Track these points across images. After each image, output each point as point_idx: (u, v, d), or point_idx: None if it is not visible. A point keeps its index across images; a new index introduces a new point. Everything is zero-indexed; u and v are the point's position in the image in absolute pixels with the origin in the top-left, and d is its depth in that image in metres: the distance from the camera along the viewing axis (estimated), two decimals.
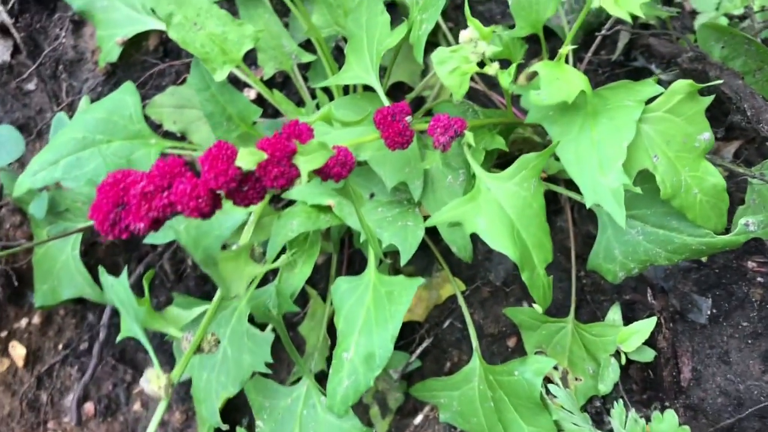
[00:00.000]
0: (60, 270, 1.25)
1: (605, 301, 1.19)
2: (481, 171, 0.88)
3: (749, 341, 1.13)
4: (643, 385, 1.13)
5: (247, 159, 0.77)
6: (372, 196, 1.06)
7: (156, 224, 0.78)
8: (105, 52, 1.28)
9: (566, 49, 0.90)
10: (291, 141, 0.80)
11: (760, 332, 1.13)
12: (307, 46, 1.22)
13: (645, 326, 1.06)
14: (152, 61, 1.33)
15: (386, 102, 0.94)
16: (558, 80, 0.86)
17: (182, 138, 1.29)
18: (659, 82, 1.28)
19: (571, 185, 1.02)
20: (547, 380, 1.10)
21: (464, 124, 0.89)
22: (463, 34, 0.83)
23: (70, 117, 1.18)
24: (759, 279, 1.16)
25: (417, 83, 1.26)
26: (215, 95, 1.10)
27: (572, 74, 0.86)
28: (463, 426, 1.14)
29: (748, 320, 1.14)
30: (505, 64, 0.90)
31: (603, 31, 1.21)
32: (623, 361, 1.08)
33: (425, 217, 1.04)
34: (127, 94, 1.06)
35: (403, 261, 1.00)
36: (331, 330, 1.17)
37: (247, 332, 1.00)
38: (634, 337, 1.06)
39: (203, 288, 1.31)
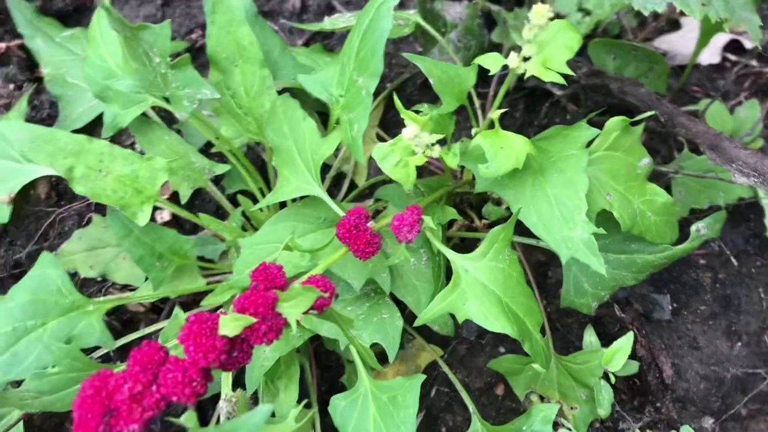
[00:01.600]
0: None
1: (573, 323, 1.21)
2: (454, 255, 0.87)
3: (710, 322, 1.19)
4: (632, 393, 1.17)
5: (232, 326, 0.73)
6: (336, 296, 1.02)
7: (150, 421, 0.72)
8: None
9: (497, 113, 0.90)
10: (270, 291, 0.76)
11: (716, 311, 1.20)
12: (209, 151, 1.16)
13: (624, 343, 1.09)
14: (47, 209, 1.22)
15: (337, 210, 0.90)
16: (502, 149, 0.86)
17: (104, 281, 1.20)
18: (558, 101, 1.33)
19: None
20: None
21: (421, 212, 0.88)
22: (407, 132, 0.81)
23: None
24: (702, 262, 1.23)
25: (332, 161, 1.23)
26: (140, 238, 1.03)
27: (514, 140, 0.87)
28: None
29: (704, 303, 1.20)
30: (440, 141, 0.90)
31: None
32: (613, 380, 1.10)
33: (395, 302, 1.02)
34: (47, 267, 0.96)
35: (390, 358, 0.97)
36: None
37: None
38: (617, 356, 1.09)
39: None
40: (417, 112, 0.93)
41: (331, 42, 1.37)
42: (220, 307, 1.16)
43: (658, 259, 0.99)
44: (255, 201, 1.16)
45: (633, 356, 1.14)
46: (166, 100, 0.95)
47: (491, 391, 1.19)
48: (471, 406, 1.09)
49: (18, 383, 0.97)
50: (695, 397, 1.16)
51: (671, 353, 1.17)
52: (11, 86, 1.25)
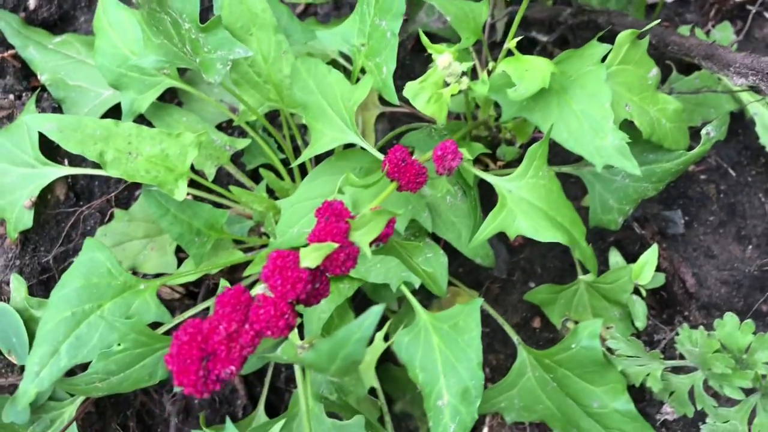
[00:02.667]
0: None
1: (595, 250, 1.27)
2: (496, 179, 0.91)
3: (720, 231, 1.26)
4: (660, 306, 1.23)
5: (313, 257, 0.75)
6: (378, 245, 1.05)
7: (241, 364, 0.74)
8: (13, 222, 1.15)
9: (513, 42, 0.95)
10: (342, 221, 0.78)
11: (724, 220, 1.27)
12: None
13: (651, 256, 1.14)
14: (67, 210, 1.21)
15: (375, 153, 0.93)
16: (527, 71, 0.91)
17: (134, 274, 1.20)
18: (545, 47, 1.38)
19: None
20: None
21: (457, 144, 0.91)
22: (442, 60, 0.85)
23: None
24: (702, 177, 1.30)
25: None
26: (177, 216, 1.04)
27: (536, 61, 0.91)
28: (531, 418, 1.17)
29: (712, 214, 1.27)
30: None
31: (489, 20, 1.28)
32: (644, 293, 1.16)
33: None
34: (94, 251, 0.96)
35: (442, 292, 1.00)
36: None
37: (333, 426, 0.95)
38: (645, 269, 1.14)
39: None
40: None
41: (319, 16, 1.40)
42: (257, 281, 1.18)
43: (675, 165, 1.05)
44: (278, 174, 1.19)
45: (657, 270, 1.20)
46: (196, 68, 0.97)
47: (528, 325, 1.24)
48: (515, 337, 1.13)
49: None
50: (719, 302, 1.22)
51: (690, 264, 1.24)
52: (11, 96, 1.24)
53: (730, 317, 0.98)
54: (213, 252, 1.11)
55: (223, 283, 1.05)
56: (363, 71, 0.99)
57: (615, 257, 1.20)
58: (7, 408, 1.09)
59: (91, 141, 0.99)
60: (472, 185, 1.03)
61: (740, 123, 1.34)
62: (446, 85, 0.91)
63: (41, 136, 1.18)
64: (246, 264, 1.15)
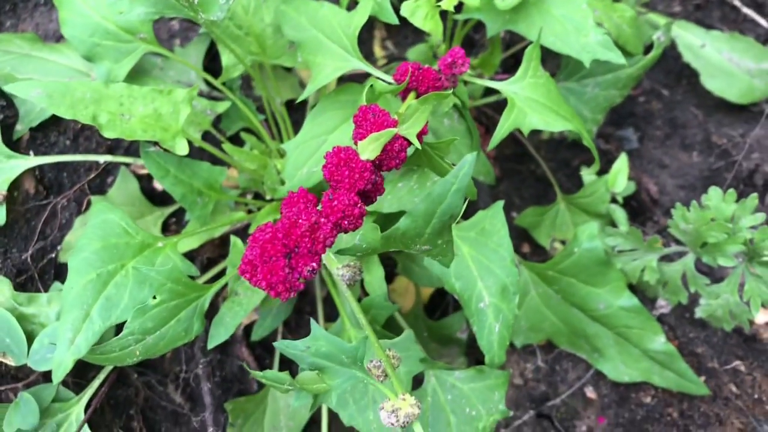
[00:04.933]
0: None
1: (567, 171, 1.35)
2: (501, 84, 0.96)
3: (668, 143, 1.38)
4: (632, 214, 1.32)
5: (372, 147, 0.76)
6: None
7: (320, 260, 0.73)
8: None
9: None
10: (386, 116, 0.80)
11: (669, 132, 1.39)
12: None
13: (622, 164, 1.23)
14: (38, 204, 1.14)
15: (382, 75, 0.96)
16: None
17: None
18: None
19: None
20: None
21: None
22: None
23: None
24: (641, 99, 1.42)
25: None
26: (178, 176, 1.01)
27: None
28: (538, 338, 1.22)
29: (658, 129, 1.39)
30: None
31: None
32: (621, 201, 1.24)
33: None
34: (105, 213, 0.91)
35: (473, 193, 1.02)
36: None
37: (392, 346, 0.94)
38: (619, 177, 1.23)
39: (232, 390, 1.18)
40: None
41: None
42: None
43: (636, 70, 1.14)
44: (258, 138, 1.18)
45: None
46: (189, 13, 0.95)
47: (519, 251, 1.29)
48: (516, 258, 1.18)
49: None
50: (680, 203, 1.33)
51: (649, 174, 1.34)
52: None
53: (714, 190, 1.07)
54: (212, 216, 1.08)
55: (234, 239, 1.03)
56: (354, 3, 1.01)
57: (587, 174, 1.28)
58: (11, 415, 1.00)
59: (81, 104, 0.94)
60: (467, 104, 1.08)
61: (667, 51, 1.48)
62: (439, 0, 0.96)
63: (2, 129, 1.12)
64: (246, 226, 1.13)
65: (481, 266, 0.96)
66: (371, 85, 0.87)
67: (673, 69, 1.45)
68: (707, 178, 1.34)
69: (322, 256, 0.88)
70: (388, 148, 0.78)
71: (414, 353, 0.94)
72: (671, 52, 1.44)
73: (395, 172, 1.07)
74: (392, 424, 0.74)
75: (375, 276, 1.02)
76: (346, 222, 0.73)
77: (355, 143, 0.81)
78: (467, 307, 0.96)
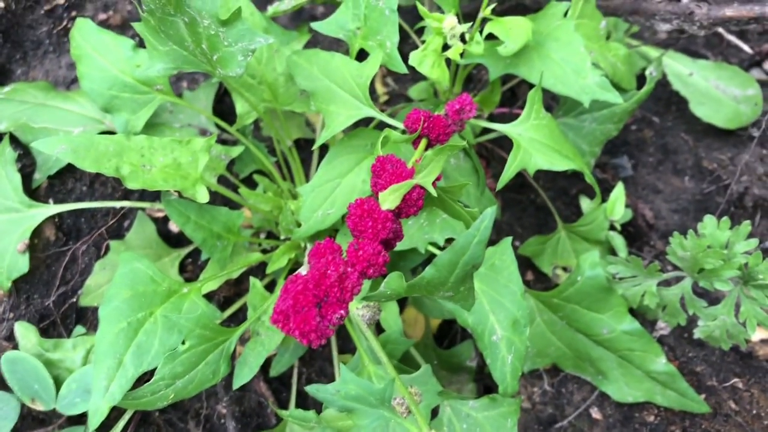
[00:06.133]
0: None
1: (565, 200, 1.40)
2: (505, 126, 1.01)
3: (660, 168, 1.43)
4: (630, 240, 1.37)
5: (392, 198, 0.81)
6: None
7: (347, 307, 0.77)
8: (5, 270, 1.11)
9: (487, 11, 1.07)
10: (404, 168, 0.84)
11: (660, 158, 1.44)
12: None
13: (618, 192, 1.28)
14: (58, 251, 1.17)
15: (393, 122, 1.00)
16: (511, 29, 1.03)
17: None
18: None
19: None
20: None
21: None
22: (449, 21, 0.95)
23: None
24: (633, 127, 1.48)
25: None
26: (198, 222, 1.05)
27: (517, 21, 1.04)
28: (544, 363, 1.26)
29: (650, 155, 1.44)
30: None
31: None
32: (618, 228, 1.29)
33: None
34: (132, 262, 0.95)
35: None
36: None
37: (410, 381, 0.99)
38: (617, 205, 1.28)
39: (251, 425, 1.22)
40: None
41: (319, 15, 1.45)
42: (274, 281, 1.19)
43: (631, 104, 1.20)
44: (270, 179, 1.22)
45: None
46: (207, 68, 0.99)
47: (522, 279, 1.33)
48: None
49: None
50: (674, 228, 1.38)
51: (644, 200, 1.40)
52: None
53: (709, 219, 1.12)
54: (231, 260, 1.12)
55: (253, 281, 1.07)
56: (360, 53, 1.06)
57: (585, 203, 1.33)
58: None
59: (105, 158, 0.98)
60: (472, 144, 1.13)
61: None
62: (445, 48, 1.01)
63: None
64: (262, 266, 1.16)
65: (493, 301, 1.01)
66: (385, 135, 0.92)
67: (662, 97, 1.51)
68: (699, 201, 1.39)
69: None
70: (406, 197, 0.82)
71: (432, 386, 0.99)
72: (660, 80, 1.50)
73: None
74: None
75: (390, 312, 1.07)
76: (371, 270, 0.77)
77: (374, 191, 0.85)
78: (480, 340, 1.00)
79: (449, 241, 1.08)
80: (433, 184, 0.89)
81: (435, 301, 1.18)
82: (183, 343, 0.91)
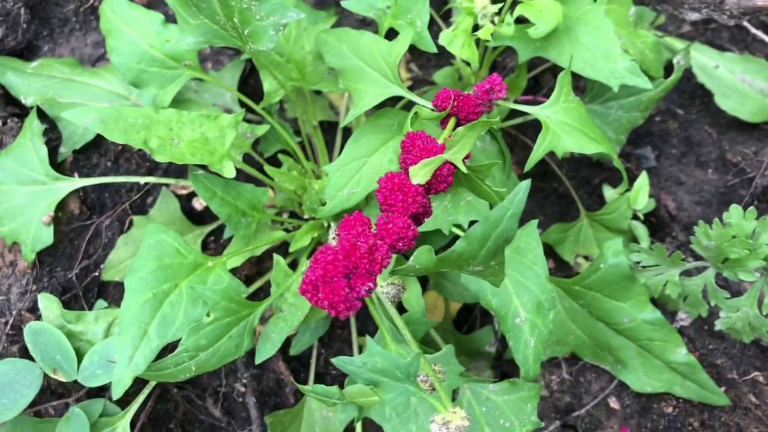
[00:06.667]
0: None
1: (588, 189, 1.39)
2: (534, 108, 1.01)
3: (683, 160, 1.43)
4: (652, 231, 1.36)
5: (422, 173, 0.81)
6: None
7: (376, 280, 0.77)
8: (30, 242, 1.11)
9: None
10: (435, 143, 0.84)
11: (684, 150, 1.44)
12: None
13: (643, 182, 1.27)
14: (82, 224, 1.18)
15: (424, 102, 1.00)
16: (542, 11, 1.02)
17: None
18: None
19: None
20: None
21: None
22: (480, 2, 0.95)
23: None
24: (657, 119, 1.47)
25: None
26: (224, 197, 1.06)
27: (548, 4, 1.03)
28: (563, 351, 1.26)
29: (674, 147, 1.43)
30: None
31: None
32: (642, 217, 1.28)
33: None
34: (159, 234, 0.96)
35: None
36: None
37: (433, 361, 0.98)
38: (640, 194, 1.27)
39: (269, 404, 1.22)
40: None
41: None
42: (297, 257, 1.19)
43: (658, 92, 1.19)
44: (295, 159, 1.22)
45: None
46: (238, 43, 0.99)
47: None
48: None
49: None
50: (697, 220, 1.37)
51: (667, 192, 1.39)
52: None
53: (735, 208, 1.11)
54: (255, 237, 1.12)
55: (277, 258, 1.07)
56: (389, 33, 1.06)
57: (609, 191, 1.33)
58: (62, 428, 1.04)
59: (134, 130, 0.99)
60: (498, 127, 1.12)
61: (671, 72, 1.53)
62: (475, 29, 1.00)
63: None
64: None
65: (517, 283, 1.00)
66: (416, 112, 0.91)
67: (686, 89, 1.50)
68: (723, 194, 1.38)
69: None
70: (437, 173, 0.82)
71: (453, 367, 0.98)
72: (685, 72, 1.49)
73: None
74: None
75: (413, 293, 1.07)
76: (400, 243, 0.77)
77: (403, 167, 0.85)
78: (503, 322, 1.00)
79: (472, 224, 1.08)
80: (463, 161, 0.88)
81: (456, 285, 1.18)
82: (207, 315, 0.91)
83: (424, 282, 1.25)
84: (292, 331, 1.20)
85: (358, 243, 0.74)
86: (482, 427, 1.06)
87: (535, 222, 1.02)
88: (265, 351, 1.01)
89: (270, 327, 1.02)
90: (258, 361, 1.00)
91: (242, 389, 1.19)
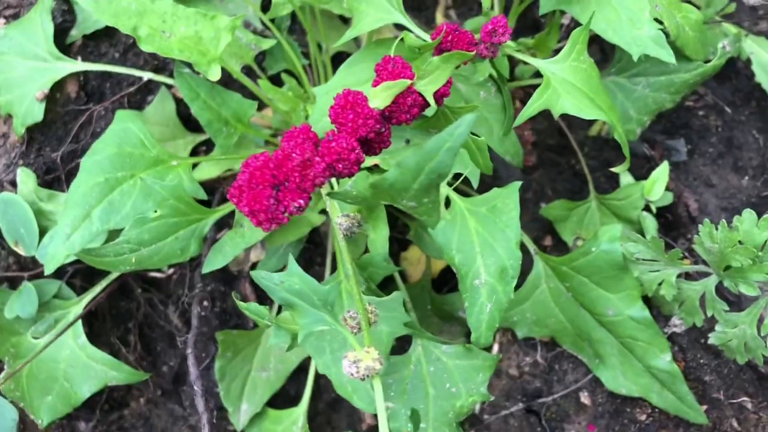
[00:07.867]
0: (67, 368, 1.07)
1: (605, 170, 1.30)
2: (540, 62, 0.93)
3: (719, 162, 1.32)
4: (665, 228, 1.27)
5: (383, 96, 0.75)
6: (408, 141, 1.05)
7: (309, 198, 0.73)
8: (21, 116, 1.12)
9: None
10: (407, 70, 0.78)
11: (723, 151, 1.32)
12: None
13: (662, 172, 1.18)
14: (77, 108, 1.17)
15: (420, 33, 0.94)
16: None
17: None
18: None
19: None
20: None
21: None
22: None
23: None
24: (701, 113, 1.36)
25: None
26: (207, 101, 1.02)
27: None
28: (542, 333, 1.19)
29: (711, 146, 1.32)
30: None
31: None
32: (654, 210, 1.19)
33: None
34: (127, 122, 0.94)
35: (475, 183, 1.01)
36: None
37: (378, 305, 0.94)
38: (657, 185, 1.18)
39: (228, 323, 1.20)
40: None
41: None
42: None
43: (693, 76, 1.09)
44: (299, 82, 1.18)
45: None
46: None
47: (539, 244, 1.26)
48: (532, 247, 1.15)
49: None
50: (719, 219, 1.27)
51: (692, 190, 1.28)
52: None
53: (748, 213, 1.01)
54: (236, 149, 1.09)
55: None
56: None
57: (626, 178, 1.24)
58: (12, 301, 1.04)
59: (125, 14, 0.96)
60: (505, 78, 1.05)
61: (731, 68, 1.40)
62: None
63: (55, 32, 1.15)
64: None
65: (485, 243, 0.94)
66: (401, 38, 0.86)
67: (742, 88, 1.38)
68: (754, 204, 1.27)
69: (326, 203, 0.88)
70: (400, 101, 0.77)
71: (400, 316, 0.94)
72: (745, 71, 1.37)
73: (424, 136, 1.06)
74: (352, 375, 0.73)
75: (379, 235, 1.01)
76: (340, 165, 0.72)
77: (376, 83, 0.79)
78: (462, 281, 0.94)
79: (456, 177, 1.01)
80: (438, 97, 0.82)
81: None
82: (156, 213, 0.89)
83: (406, 233, 1.20)
84: (260, 255, 1.18)
85: (293, 154, 0.70)
86: (427, 387, 1.02)
87: (517, 184, 0.95)
88: (216, 262, 0.98)
89: (225, 239, 0.99)
90: (204, 270, 0.98)
91: (205, 303, 1.17)
